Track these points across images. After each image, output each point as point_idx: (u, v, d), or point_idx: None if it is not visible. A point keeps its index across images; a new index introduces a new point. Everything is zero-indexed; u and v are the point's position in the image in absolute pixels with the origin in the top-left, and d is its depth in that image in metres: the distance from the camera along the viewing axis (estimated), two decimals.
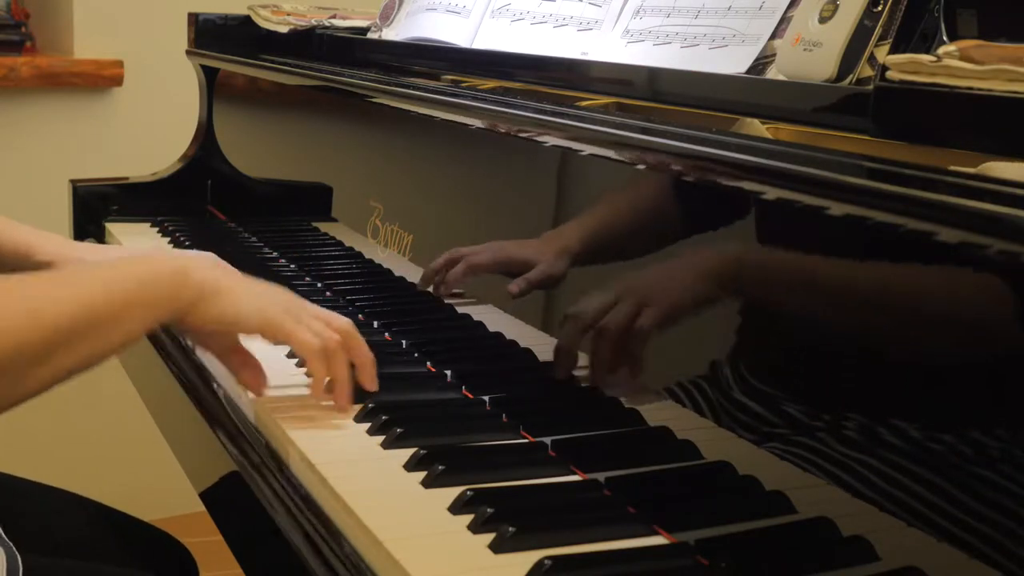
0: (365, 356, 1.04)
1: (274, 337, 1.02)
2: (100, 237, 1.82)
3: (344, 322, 1.05)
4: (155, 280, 0.94)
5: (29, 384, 0.88)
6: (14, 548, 1.05)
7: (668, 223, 0.94)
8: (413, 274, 1.29)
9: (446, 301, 1.21)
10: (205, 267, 0.98)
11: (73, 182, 1.89)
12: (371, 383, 1.04)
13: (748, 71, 1.00)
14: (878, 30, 0.87)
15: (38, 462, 2.18)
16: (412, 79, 1.34)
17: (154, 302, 0.94)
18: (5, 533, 1.08)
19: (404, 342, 1.23)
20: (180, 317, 0.97)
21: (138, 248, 1.19)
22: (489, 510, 0.81)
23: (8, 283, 0.89)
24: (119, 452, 2.56)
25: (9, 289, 0.88)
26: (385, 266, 1.36)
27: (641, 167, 0.92)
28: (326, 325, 1.03)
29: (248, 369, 1.07)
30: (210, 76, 1.92)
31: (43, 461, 2.36)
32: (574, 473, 0.91)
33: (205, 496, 1.16)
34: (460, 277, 1.19)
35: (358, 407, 1.02)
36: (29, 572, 1.04)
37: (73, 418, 2.54)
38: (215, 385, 1.15)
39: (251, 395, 1.06)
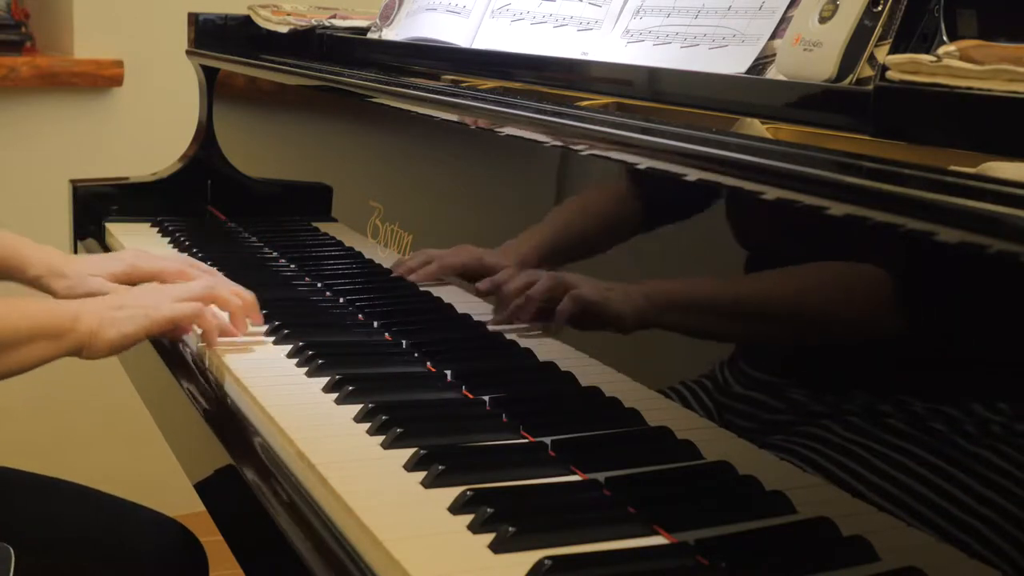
0: (234, 303, 1.24)
1: (162, 334, 1.21)
2: (100, 237, 1.83)
3: (200, 285, 1.24)
4: (51, 322, 1.12)
5: None
6: (7, 544, 1.05)
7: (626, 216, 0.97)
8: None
9: (446, 301, 1.22)
10: (92, 310, 1.14)
11: (73, 182, 1.89)
12: (256, 319, 1.25)
13: (748, 71, 1.00)
14: (878, 30, 0.87)
15: (42, 458, 2.17)
16: (412, 79, 1.34)
17: (52, 338, 1.11)
18: (7, 526, 1.09)
19: (404, 342, 1.23)
20: (78, 352, 1.13)
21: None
22: (489, 510, 0.81)
23: None
24: (132, 447, 2.56)
25: None
26: (385, 266, 1.36)
27: (641, 167, 0.92)
28: (189, 291, 1.22)
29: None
30: (210, 76, 1.92)
31: (49, 457, 2.36)
32: (574, 473, 0.91)
33: (204, 496, 1.16)
34: (431, 275, 1.25)
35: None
36: (28, 569, 1.04)
37: (81, 416, 2.54)
38: (215, 384, 1.15)
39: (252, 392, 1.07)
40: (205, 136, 1.93)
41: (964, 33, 0.81)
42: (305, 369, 1.14)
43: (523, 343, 1.09)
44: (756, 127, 0.91)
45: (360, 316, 1.34)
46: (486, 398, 1.06)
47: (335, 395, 1.06)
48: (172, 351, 1.27)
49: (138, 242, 1.72)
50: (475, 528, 0.80)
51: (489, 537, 0.79)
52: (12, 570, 1.05)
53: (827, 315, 0.78)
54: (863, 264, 0.74)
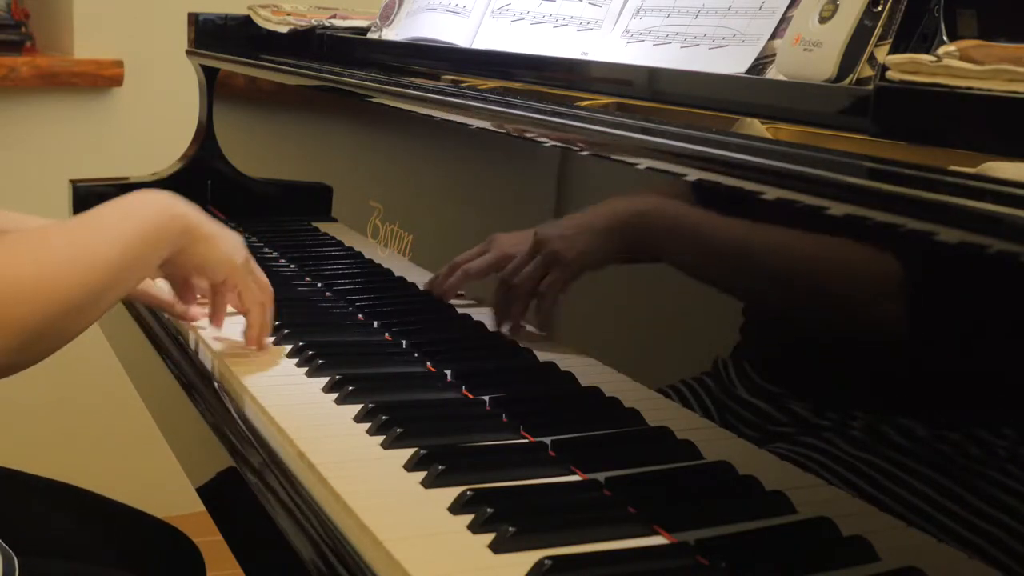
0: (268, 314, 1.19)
1: (231, 286, 1.14)
2: None
3: (267, 282, 1.19)
4: (167, 224, 1.04)
5: (76, 328, 0.96)
6: (9, 549, 1.05)
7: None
8: (413, 274, 1.29)
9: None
10: (193, 212, 1.07)
11: (73, 182, 1.89)
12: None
13: (748, 71, 1.00)
14: (878, 30, 0.87)
15: (44, 459, 2.18)
16: (412, 79, 1.34)
17: (164, 244, 1.04)
18: (5, 529, 1.08)
19: (404, 342, 1.23)
20: (171, 258, 1.06)
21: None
22: (489, 510, 0.81)
23: (53, 239, 0.95)
24: (126, 449, 2.56)
25: (56, 247, 0.94)
26: (385, 266, 1.36)
27: (641, 167, 0.92)
28: (258, 282, 1.17)
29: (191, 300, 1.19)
30: (210, 76, 1.92)
31: (49, 459, 2.36)
32: (574, 473, 0.91)
33: (206, 498, 1.16)
34: (459, 284, 1.20)
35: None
36: (26, 572, 1.04)
37: (80, 416, 2.54)
38: (216, 384, 1.15)
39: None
40: (205, 136, 1.93)
41: (964, 33, 0.81)
42: (305, 369, 1.14)
43: (523, 343, 1.09)
44: (756, 127, 0.91)
45: (360, 316, 1.34)
46: (486, 398, 1.06)
47: (335, 395, 1.06)
48: (173, 352, 1.27)
49: None
50: (475, 528, 0.80)
51: (489, 537, 0.79)
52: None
53: (825, 315, 0.78)
54: (862, 264, 0.74)
